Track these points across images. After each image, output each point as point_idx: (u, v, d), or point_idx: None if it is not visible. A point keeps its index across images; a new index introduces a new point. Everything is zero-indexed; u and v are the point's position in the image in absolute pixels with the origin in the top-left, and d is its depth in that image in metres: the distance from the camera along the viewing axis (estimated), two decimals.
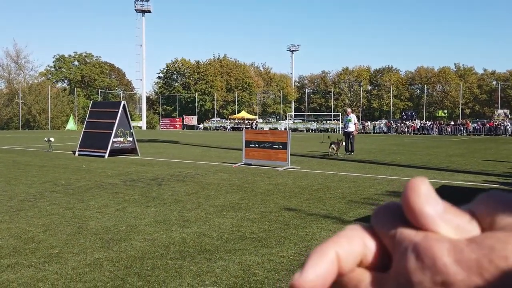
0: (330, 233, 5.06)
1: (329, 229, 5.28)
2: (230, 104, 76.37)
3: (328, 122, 59.59)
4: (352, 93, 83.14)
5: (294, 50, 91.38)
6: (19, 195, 7.45)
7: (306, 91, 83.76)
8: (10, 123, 54.57)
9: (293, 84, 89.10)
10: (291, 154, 12.12)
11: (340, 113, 61.88)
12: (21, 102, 54.62)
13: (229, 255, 4.28)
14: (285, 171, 11.19)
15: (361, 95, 75.73)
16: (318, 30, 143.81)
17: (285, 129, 51.73)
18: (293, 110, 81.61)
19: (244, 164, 12.42)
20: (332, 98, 77.62)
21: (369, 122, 59.70)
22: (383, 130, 54.68)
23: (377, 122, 59.50)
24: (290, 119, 64.95)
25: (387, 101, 74.46)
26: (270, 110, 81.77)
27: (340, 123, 57.13)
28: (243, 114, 66.48)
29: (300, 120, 65.13)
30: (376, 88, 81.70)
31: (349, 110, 18.91)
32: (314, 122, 60.95)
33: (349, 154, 17.21)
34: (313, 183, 9.05)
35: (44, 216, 5.87)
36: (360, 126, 54.31)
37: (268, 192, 7.91)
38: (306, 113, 67.41)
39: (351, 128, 17.61)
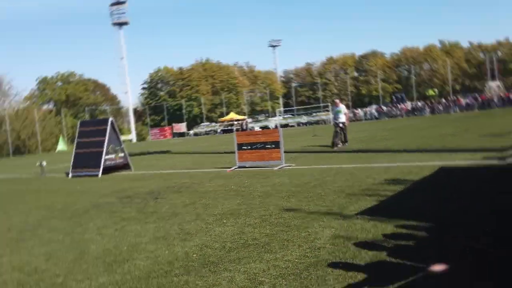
0: (333, 231, 5.05)
1: (332, 226, 5.25)
2: (218, 107, 76.20)
3: (318, 114, 59.54)
4: (339, 82, 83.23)
5: (276, 45, 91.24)
6: (17, 225, 7.37)
7: (293, 85, 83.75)
8: (0, 150, 54.04)
9: (278, 79, 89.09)
10: (284, 152, 12.10)
11: (329, 104, 62.06)
12: (9, 129, 54.10)
13: (233, 265, 4.24)
14: (281, 170, 11.18)
15: (348, 82, 75.91)
16: (298, 22, 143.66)
17: (276, 126, 51.77)
18: (281, 105, 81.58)
19: (239, 167, 12.39)
20: (320, 89, 77.69)
21: (359, 109, 59.68)
22: (375, 116, 54.62)
23: (368, 109, 59.42)
24: (280, 115, 64.96)
25: (376, 86, 74.54)
26: (259, 108, 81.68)
27: (331, 113, 57.38)
28: (232, 115, 66.42)
29: (290, 115, 65.06)
30: (363, 74, 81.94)
31: (337, 100, 18.75)
32: (304, 115, 60.96)
33: (343, 145, 17.21)
34: (310, 180, 9.04)
35: (45, 245, 5.80)
36: (351, 115, 54.53)
37: (266, 194, 7.88)
38: (295, 108, 67.38)
39: (342, 118, 17.38)
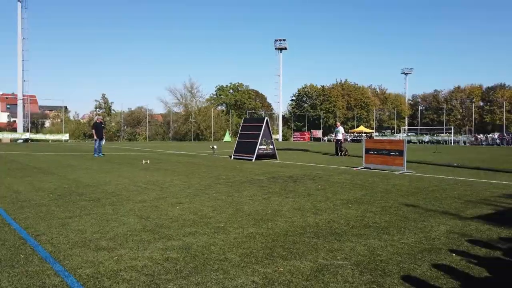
0: (448, 227, 4.58)
1: (447, 223, 4.77)
2: (350, 120, 74.20)
3: (440, 135, 54.07)
4: (463, 109, 74.49)
5: (407, 73, 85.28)
6: (194, 185, 8.18)
7: (419, 108, 77.45)
8: (186, 136, 60.49)
9: (406, 102, 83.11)
10: (406, 161, 11.28)
11: (452, 127, 55.91)
12: (194, 121, 60.28)
13: (355, 238, 4.14)
14: (401, 174, 10.46)
15: (473, 110, 67.38)
16: (430, 53, 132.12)
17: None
18: (406, 124, 76.04)
19: (364, 168, 11.94)
20: (444, 114, 70.42)
21: (481, 134, 52.63)
22: (496, 142, 47.63)
23: (490, 135, 52.08)
24: (404, 132, 60.59)
25: (500, 115, 64.90)
26: (386, 125, 77.32)
27: (453, 135, 51.66)
28: (361, 128, 64.09)
29: (413, 133, 60.26)
30: (489, 104, 71.94)
31: (338, 123, 21.96)
32: (426, 135, 55.90)
33: (339, 155, 18.87)
34: (428, 185, 8.29)
35: (212, 200, 6.35)
36: (472, 139, 48.41)
37: (387, 191, 7.47)
38: (419, 127, 62.08)
39: (340, 136, 19.94)
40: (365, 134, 59.21)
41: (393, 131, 70.92)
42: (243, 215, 5.23)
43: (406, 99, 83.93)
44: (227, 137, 59.17)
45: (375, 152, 11.78)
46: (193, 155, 19.05)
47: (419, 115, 75.25)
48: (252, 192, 7.25)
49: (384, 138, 55.34)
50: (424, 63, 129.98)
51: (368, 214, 5.35)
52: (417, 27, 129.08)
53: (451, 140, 50.49)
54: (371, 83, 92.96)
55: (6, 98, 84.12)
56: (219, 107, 75.31)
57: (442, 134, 54.13)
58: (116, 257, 3.46)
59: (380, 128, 74.55)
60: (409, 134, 60.51)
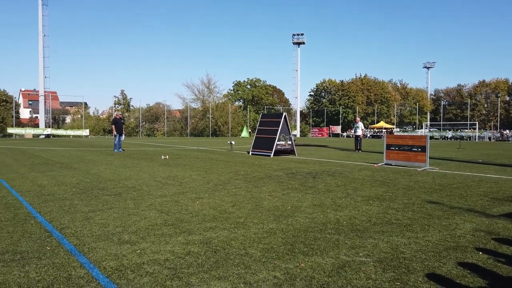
0: (474, 225, 4.50)
1: (473, 221, 4.67)
2: (370, 115, 73.25)
3: (464, 130, 52.81)
4: (489, 104, 72.48)
5: (429, 67, 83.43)
6: (213, 180, 8.25)
7: (442, 103, 75.79)
8: (204, 131, 60.96)
9: (428, 97, 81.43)
10: (428, 157, 11.08)
11: (477, 123, 54.51)
12: (211, 117, 60.65)
13: (378, 235, 4.10)
14: (424, 171, 10.29)
15: (498, 105, 65.51)
16: (453, 47, 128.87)
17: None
18: (428, 120, 74.54)
19: (385, 164, 11.79)
20: (468, 109, 68.73)
21: (507, 130, 51.13)
22: None
23: None
24: (426, 128, 59.45)
25: None
26: (407, 120, 76.00)
27: (477, 131, 50.40)
28: (382, 124, 63.19)
29: (436, 129, 59.05)
30: None
31: (357, 118, 21.06)
32: (450, 130, 54.68)
33: (357, 152, 18.83)
34: (452, 182, 8.13)
35: (231, 196, 6.40)
36: (498, 135, 47.10)
37: (409, 188, 7.36)
38: (441, 123, 60.77)
39: (359, 132, 19.95)
40: (385, 130, 58.40)
41: (414, 126, 69.69)
42: (263, 211, 5.25)
43: (428, 94, 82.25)
44: (245, 133, 59.32)
45: (397, 148, 11.61)
46: (211, 151, 19.19)
47: (442, 110, 73.69)
48: (271, 188, 7.26)
49: (406, 133, 54.45)
50: (447, 57, 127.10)
51: (390, 211, 5.29)
52: (439, 20, 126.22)
53: (475, 136, 49.26)
54: (392, 78, 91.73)
55: (28, 94, 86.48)
56: (237, 102, 75.49)
57: (466, 130, 52.89)
58: (138, 251, 3.54)
59: (401, 124, 73.36)
60: (431, 129, 59.34)
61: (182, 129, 60.95)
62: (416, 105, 73.10)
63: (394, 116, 73.15)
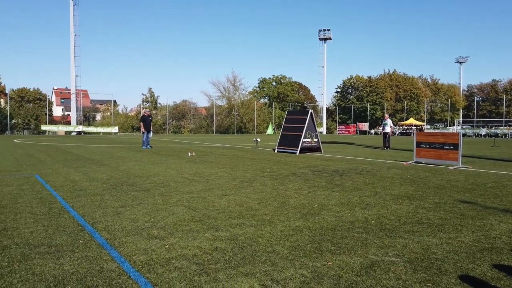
0: (510, 226, 4.33)
1: (509, 222, 4.50)
2: (399, 112, 71.59)
3: (499, 127, 50.77)
4: None
5: (462, 62, 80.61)
6: (239, 177, 8.30)
7: (475, 99, 73.12)
8: (229, 128, 61.40)
9: (461, 93, 78.73)
10: (461, 155, 10.73)
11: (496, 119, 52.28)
12: (236, 114, 60.97)
13: (408, 235, 4.02)
14: (456, 170, 9.97)
15: None
16: (487, 40, 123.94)
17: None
18: (461, 116, 72.12)
19: (415, 162, 11.51)
20: (504, 105, 65.97)
21: None
22: None
23: None
24: (458, 125, 57.55)
25: None
26: (438, 117, 73.81)
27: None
28: (411, 120, 61.67)
29: (469, 126, 57.07)
30: None
31: (386, 115, 20.66)
32: (483, 128, 52.69)
33: (386, 149, 18.59)
34: (486, 181, 7.84)
35: (257, 193, 6.42)
36: None
37: (440, 187, 7.16)
38: (475, 119, 58.66)
39: (387, 129, 19.62)
40: (415, 127, 56.95)
41: (446, 123, 67.62)
42: (289, 208, 5.24)
43: (461, 90, 79.55)
44: (270, 130, 59.31)
45: (427, 146, 11.30)
46: (236, 148, 19.29)
47: (475, 107, 71.15)
48: (297, 185, 7.24)
49: (436, 131, 52.94)
50: (481, 51, 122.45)
51: (420, 210, 5.17)
52: (472, 13, 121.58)
53: (511, 134, 47.26)
54: (422, 73, 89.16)
55: (61, 92, 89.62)
56: (262, 99, 75.51)
57: (501, 127, 50.83)
58: (167, 246, 3.61)
59: (431, 121, 71.36)
60: (463, 126, 57.47)
61: (208, 126, 61.58)
62: (448, 102, 70.87)
63: (424, 113, 71.19)
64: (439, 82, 79.74)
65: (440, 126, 62.47)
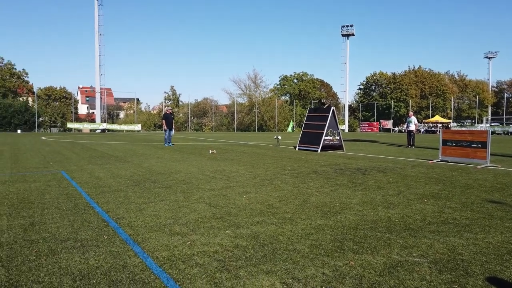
0: None
1: None
2: (424, 109, 70.00)
3: None
4: None
5: (491, 57, 78.02)
6: (260, 175, 8.31)
7: (505, 96, 70.65)
8: (250, 126, 61.53)
9: (490, 89, 76.27)
10: (490, 154, 10.40)
11: None
12: (257, 111, 61.02)
13: (433, 235, 3.93)
14: (484, 168, 9.68)
15: None
16: None
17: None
18: (489, 114, 69.87)
19: (441, 160, 11.24)
20: None
21: None
22: None
23: None
24: (487, 122, 55.78)
25: None
26: (465, 114, 71.77)
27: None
28: (437, 118, 60.17)
29: (498, 124, 55.23)
30: None
31: (410, 113, 20.02)
32: None
33: (410, 147, 18.07)
34: None
35: (278, 191, 6.41)
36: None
37: (467, 186, 6.96)
38: (504, 117, 56.72)
39: (412, 127, 19.05)
40: (441, 125, 55.57)
41: (473, 121, 65.70)
42: (310, 207, 5.21)
43: (490, 86, 77.10)
44: (291, 128, 59.07)
45: (454, 144, 11.01)
46: (257, 146, 19.31)
47: (505, 104, 68.81)
48: (318, 183, 7.19)
49: (464, 128, 51.50)
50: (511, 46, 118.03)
51: (446, 210, 5.05)
52: (501, 5, 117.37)
53: None
54: (449, 69, 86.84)
55: (86, 91, 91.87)
56: (283, 97, 75.25)
57: None
58: (189, 242, 3.66)
59: (458, 118, 69.46)
60: (492, 124, 55.67)
61: (229, 124, 61.90)
62: (476, 98, 68.81)
63: (451, 110, 69.38)
64: (467, 78, 77.54)
65: (468, 124, 60.73)
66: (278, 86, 76.69)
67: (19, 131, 43.83)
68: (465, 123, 63.28)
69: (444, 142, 11.32)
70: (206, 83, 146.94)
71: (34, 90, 55.44)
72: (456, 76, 78.74)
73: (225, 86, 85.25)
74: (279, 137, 20.40)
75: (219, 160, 11.60)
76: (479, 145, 10.39)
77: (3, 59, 58.08)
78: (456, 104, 71.98)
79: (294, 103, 68.66)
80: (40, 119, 51.28)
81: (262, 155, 13.58)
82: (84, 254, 3.34)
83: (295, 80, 77.27)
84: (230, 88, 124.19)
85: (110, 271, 2.97)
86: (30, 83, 61.63)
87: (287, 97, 75.53)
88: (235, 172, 8.66)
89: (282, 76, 78.03)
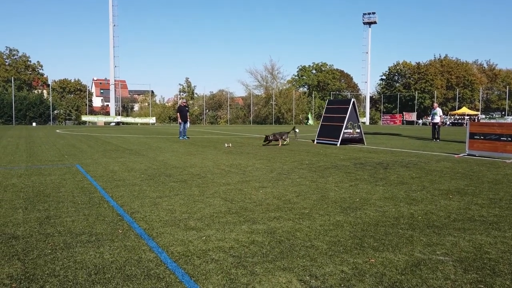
0: None
1: None
2: (450, 101, 68.53)
3: None
4: None
5: None
6: (277, 169, 8.31)
7: None
8: (266, 119, 61.47)
9: None
10: None
11: None
12: (274, 104, 60.87)
13: (458, 232, 3.87)
14: None
15: None
16: None
17: None
18: None
19: (468, 155, 11.00)
20: None
21: None
22: None
23: None
24: None
25: None
26: (494, 106, 69.94)
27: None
28: (464, 110, 58.84)
29: None
30: None
31: (435, 104, 19.74)
32: None
33: (435, 141, 17.87)
34: None
35: (296, 185, 6.41)
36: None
37: (496, 182, 6.81)
38: None
39: (437, 119, 18.84)
40: (468, 117, 54.34)
41: (503, 113, 63.97)
42: (329, 202, 5.19)
43: None
44: (310, 121, 58.74)
45: (482, 137, 10.76)
46: None
47: None
48: (337, 178, 7.15)
49: (493, 121, 50.20)
50: None
51: (473, 206, 4.95)
52: None
53: None
54: (477, 58, 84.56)
55: (100, 83, 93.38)
56: (301, 88, 74.81)
57: None
58: (204, 237, 3.70)
59: (487, 110, 67.76)
60: None
61: (245, 117, 61.97)
62: (506, 89, 66.87)
63: (479, 102, 67.72)
64: (497, 67, 75.40)
65: (497, 116, 59.16)
66: (296, 77, 76.23)
67: (34, 124, 44.92)
68: (494, 115, 61.60)
69: (472, 135, 11.07)
70: (222, 75, 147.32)
71: (49, 83, 56.65)
72: (485, 65, 76.77)
73: (241, 77, 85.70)
74: (297, 130, 20.33)
75: (234, 154, 11.64)
76: (509, 139, 10.12)
77: (18, 51, 59.47)
78: (485, 95, 70.20)
79: (313, 95, 68.17)
80: (55, 111, 52.39)
81: (279, 148, 13.56)
82: (99, 248, 3.41)
83: (314, 71, 76.62)
84: (246, 79, 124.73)
85: (125, 265, 3.04)
86: (45, 76, 62.97)
87: (305, 89, 75.04)
88: (251, 166, 8.69)
89: (300, 67, 77.52)
